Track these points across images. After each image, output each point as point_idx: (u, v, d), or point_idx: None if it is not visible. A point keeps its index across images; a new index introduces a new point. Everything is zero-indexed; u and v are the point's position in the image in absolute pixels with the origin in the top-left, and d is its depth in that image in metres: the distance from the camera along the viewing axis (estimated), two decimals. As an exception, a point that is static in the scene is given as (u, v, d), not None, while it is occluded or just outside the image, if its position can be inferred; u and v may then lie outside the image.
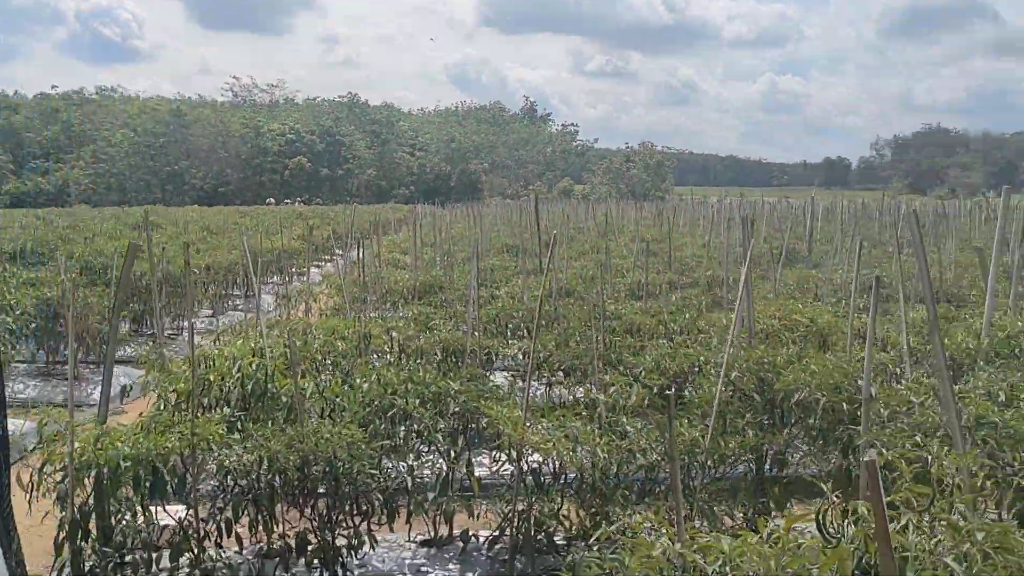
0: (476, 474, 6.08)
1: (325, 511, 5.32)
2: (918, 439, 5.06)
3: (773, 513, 5.84)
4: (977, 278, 13.41)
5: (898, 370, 7.32)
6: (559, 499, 5.56)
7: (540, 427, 5.51)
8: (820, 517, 3.09)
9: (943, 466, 3.40)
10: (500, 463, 5.67)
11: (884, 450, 4.98)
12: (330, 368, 7.65)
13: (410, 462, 5.66)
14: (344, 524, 5.36)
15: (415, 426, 5.71)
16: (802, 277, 14.19)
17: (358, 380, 5.98)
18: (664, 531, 3.59)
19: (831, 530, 3.16)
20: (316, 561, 5.38)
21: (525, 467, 5.53)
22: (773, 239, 19.84)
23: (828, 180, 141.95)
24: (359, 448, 5.06)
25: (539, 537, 5.58)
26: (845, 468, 5.92)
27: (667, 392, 7.29)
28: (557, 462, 5.29)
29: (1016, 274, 10.22)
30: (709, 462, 5.51)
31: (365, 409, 5.61)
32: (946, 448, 3.73)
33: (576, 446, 5.28)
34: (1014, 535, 3.13)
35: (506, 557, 5.55)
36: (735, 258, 14.75)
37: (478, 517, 5.83)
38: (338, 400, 5.70)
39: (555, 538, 5.67)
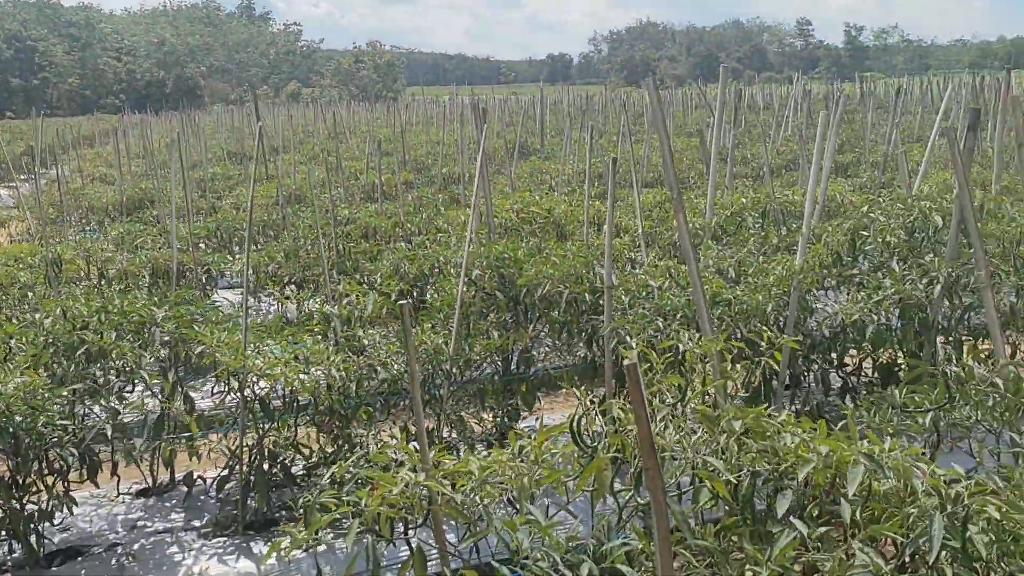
0: (199, 408, 5.38)
1: (8, 475, 4.43)
2: (659, 323, 4.98)
3: (523, 414, 5.66)
4: (695, 161, 14.04)
5: (633, 254, 7.34)
6: (295, 426, 5.00)
7: (266, 350, 4.89)
8: (575, 425, 2.79)
9: (694, 353, 3.22)
10: (223, 395, 5.01)
11: (628, 337, 4.86)
12: (14, 303, 6.52)
13: (113, 405, 4.85)
14: (34, 487, 4.50)
15: (115, 363, 4.88)
16: (536, 169, 14.19)
17: (39, 315, 5.00)
18: (408, 457, 3.16)
19: (586, 438, 2.87)
20: (4, 533, 4.50)
21: (252, 396, 4.90)
22: (506, 134, 19.83)
23: (552, 76, 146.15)
24: (41, 397, 4.20)
25: (275, 471, 5.02)
26: (591, 359, 5.83)
27: (404, 300, 6.85)
28: (287, 387, 4.71)
29: (730, 155, 10.68)
30: (455, 369, 5.16)
31: (49, 350, 4.70)
32: (698, 334, 3.57)
33: (308, 367, 4.72)
34: (765, 418, 3.00)
35: (238, 497, 4.95)
36: (470, 154, 14.48)
37: (201, 458, 5.15)
38: (12, 342, 4.73)
39: (293, 469, 5.14)
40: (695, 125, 21.50)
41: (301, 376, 4.65)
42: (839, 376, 5.91)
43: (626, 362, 2.03)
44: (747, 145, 15.98)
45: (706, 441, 2.82)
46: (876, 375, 5.80)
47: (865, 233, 6.08)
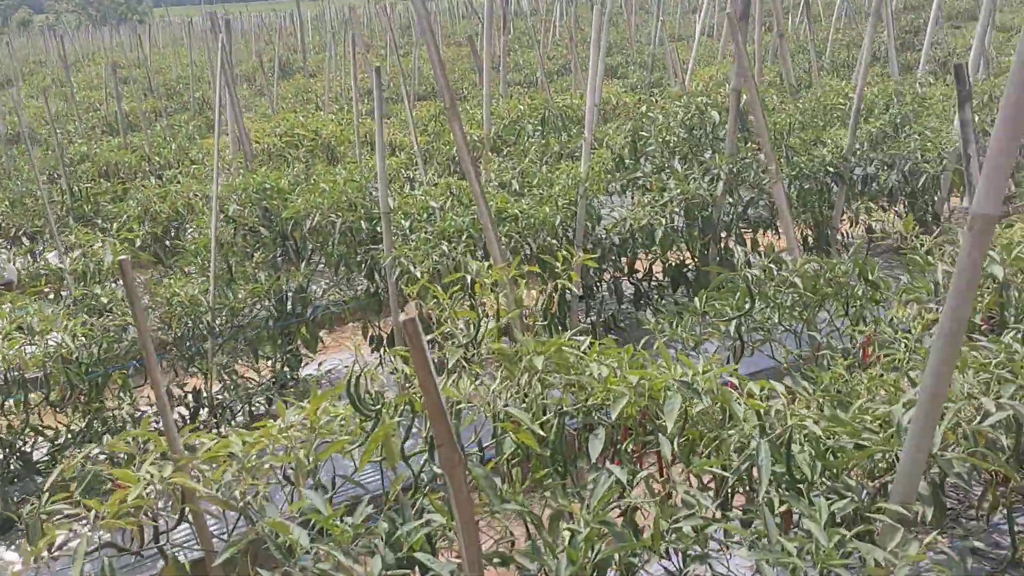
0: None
1: None
2: (444, 247, 4.58)
3: (304, 360, 5.13)
4: (468, 71, 13.62)
5: (411, 173, 6.87)
6: (26, 408, 4.22)
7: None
8: (352, 387, 2.33)
9: (485, 284, 2.83)
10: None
11: (412, 266, 4.43)
12: None
13: None
14: None
15: None
16: (301, 88, 13.28)
17: None
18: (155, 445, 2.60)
19: (369, 398, 2.43)
20: None
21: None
22: (266, 52, 18.50)
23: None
24: None
25: (11, 461, 4.25)
26: (375, 291, 5.36)
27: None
28: (7, 365, 3.93)
29: (503, 62, 10.32)
30: (218, 319, 4.54)
31: None
32: (487, 261, 3.17)
33: (36, 337, 3.97)
34: (567, 347, 2.68)
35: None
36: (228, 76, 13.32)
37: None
38: None
39: (36, 455, 4.38)
40: (464, 34, 20.97)
41: (28, 348, 3.91)
42: (631, 283, 5.79)
43: (402, 317, 1.59)
44: (519, 52, 15.72)
45: (506, 385, 2.46)
46: (667, 278, 5.72)
47: (645, 134, 5.92)
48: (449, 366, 2.57)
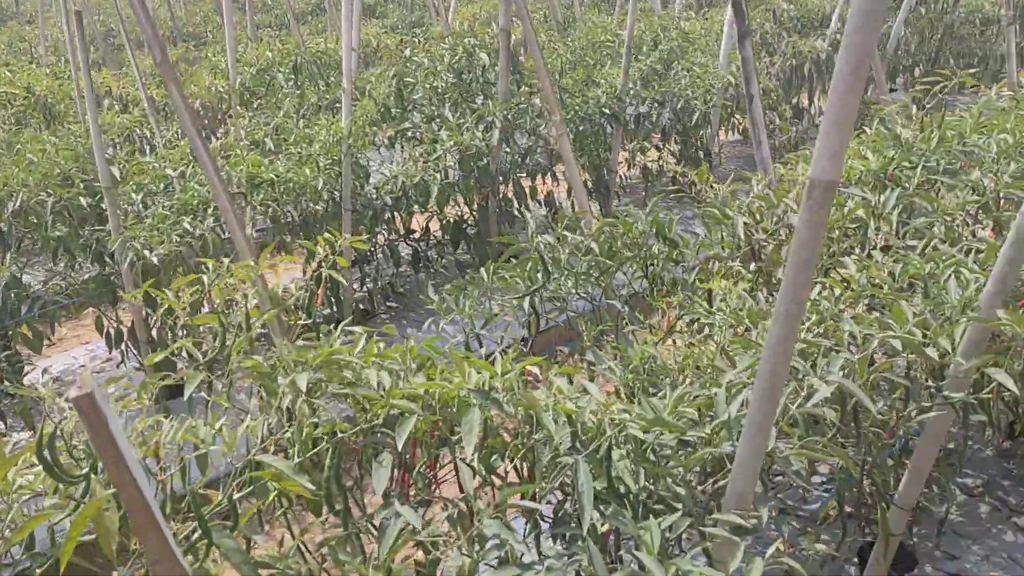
0: None
1: None
2: (187, 224, 3.92)
3: (28, 366, 4.29)
4: (211, 12, 12.44)
5: (147, 131, 6.00)
6: None
7: None
8: (45, 450, 1.72)
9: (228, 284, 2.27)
10: None
11: (148, 251, 3.75)
12: None
13: None
14: None
15: None
16: (15, 37, 11.58)
17: None
18: None
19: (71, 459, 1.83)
20: None
21: None
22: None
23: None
24: None
25: None
26: (106, 277, 4.56)
27: None
28: None
29: (249, 1, 9.40)
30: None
31: None
32: (228, 259, 2.56)
33: None
34: (340, 353, 2.20)
35: None
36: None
37: None
38: None
39: None
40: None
41: None
42: (408, 244, 5.33)
43: (73, 393, 1.06)
44: (268, -10, 14.53)
45: (264, 419, 1.95)
46: (446, 236, 5.32)
47: (411, 80, 5.42)
48: (186, 396, 2.02)
